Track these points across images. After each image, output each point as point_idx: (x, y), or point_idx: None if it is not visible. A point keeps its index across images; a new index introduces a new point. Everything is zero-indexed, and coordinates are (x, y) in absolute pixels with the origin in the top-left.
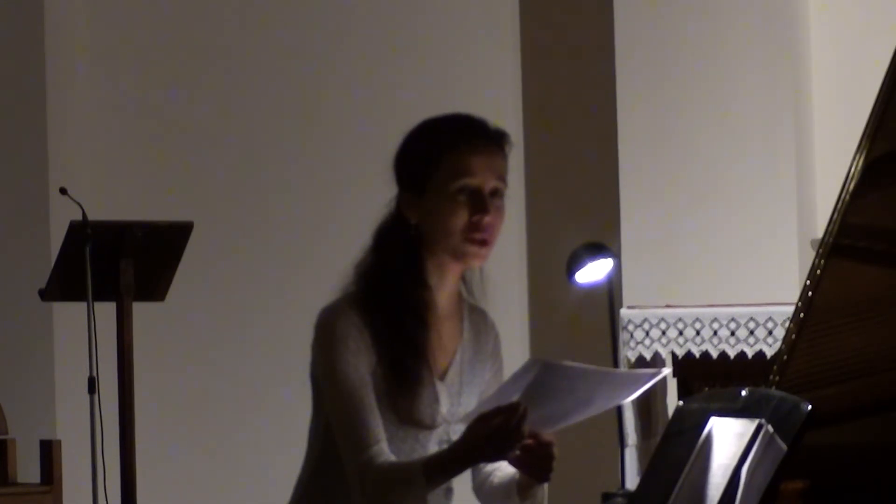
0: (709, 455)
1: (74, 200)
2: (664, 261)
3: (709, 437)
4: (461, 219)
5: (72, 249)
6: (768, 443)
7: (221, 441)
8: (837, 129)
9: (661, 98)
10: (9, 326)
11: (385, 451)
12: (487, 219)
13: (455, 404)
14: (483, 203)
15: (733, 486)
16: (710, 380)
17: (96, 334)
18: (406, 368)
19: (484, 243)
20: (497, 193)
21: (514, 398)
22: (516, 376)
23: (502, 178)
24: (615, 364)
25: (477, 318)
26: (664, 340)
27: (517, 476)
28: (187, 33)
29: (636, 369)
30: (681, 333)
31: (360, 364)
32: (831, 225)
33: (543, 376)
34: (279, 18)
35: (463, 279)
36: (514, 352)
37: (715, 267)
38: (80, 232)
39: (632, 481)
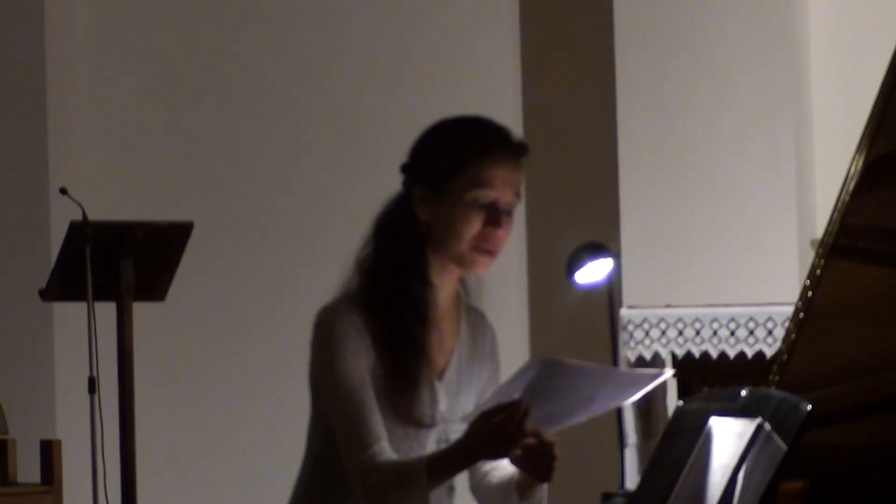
0: (708, 455)
1: (74, 200)
2: (664, 261)
3: (709, 437)
4: (473, 228)
5: (72, 249)
6: (767, 443)
7: (221, 441)
8: (837, 129)
9: (661, 98)
10: (9, 326)
11: (386, 449)
12: (499, 232)
13: (453, 403)
14: (498, 216)
15: (733, 485)
16: (710, 380)
17: (96, 334)
18: (406, 367)
19: (490, 254)
20: (511, 208)
21: (517, 396)
22: (519, 373)
23: (518, 193)
24: (615, 364)
25: (474, 319)
26: (664, 340)
27: (516, 475)
28: (187, 33)
29: (639, 369)
30: (681, 333)
31: (360, 363)
32: (831, 225)
33: (546, 373)
34: (279, 16)
35: (460, 279)
36: (514, 352)
37: (715, 267)
38: (80, 232)
39: (632, 481)
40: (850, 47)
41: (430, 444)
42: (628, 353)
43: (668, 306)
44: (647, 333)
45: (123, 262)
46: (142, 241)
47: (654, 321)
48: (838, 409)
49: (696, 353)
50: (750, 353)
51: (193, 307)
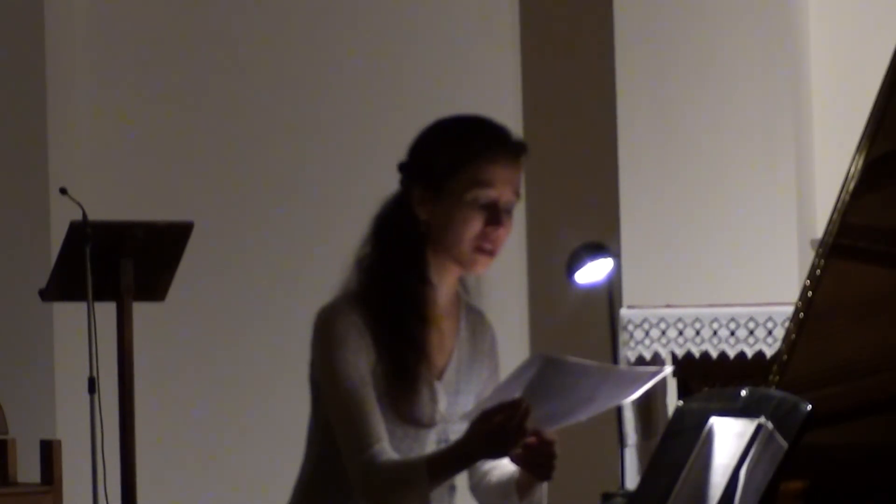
0: (709, 455)
1: (74, 200)
2: (664, 261)
3: (709, 437)
4: (474, 228)
5: (72, 249)
6: (768, 442)
7: (221, 441)
8: (837, 129)
9: (661, 98)
10: (9, 326)
11: (387, 449)
12: (499, 231)
13: (453, 403)
14: (498, 216)
15: (733, 485)
16: (710, 380)
17: (96, 334)
18: (406, 367)
19: (490, 254)
20: (510, 207)
21: (517, 394)
22: (519, 371)
23: (518, 192)
24: (615, 364)
25: (473, 318)
26: (664, 340)
27: (516, 475)
28: (187, 33)
29: (638, 367)
30: (681, 333)
31: (360, 363)
32: (831, 225)
33: (545, 371)
34: (279, 18)
35: (460, 279)
36: (514, 352)
37: (715, 267)
38: (80, 232)
39: (632, 481)
40: (850, 47)
41: (430, 443)
42: (628, 353)
43: (668, 306)
44: (647, 333)
45: (123, 262)
46: (142, 241)
47: (654, 321)
48: (838, 409)
49: (696, 353)
50: (750, 353)
51: (193, 307)
